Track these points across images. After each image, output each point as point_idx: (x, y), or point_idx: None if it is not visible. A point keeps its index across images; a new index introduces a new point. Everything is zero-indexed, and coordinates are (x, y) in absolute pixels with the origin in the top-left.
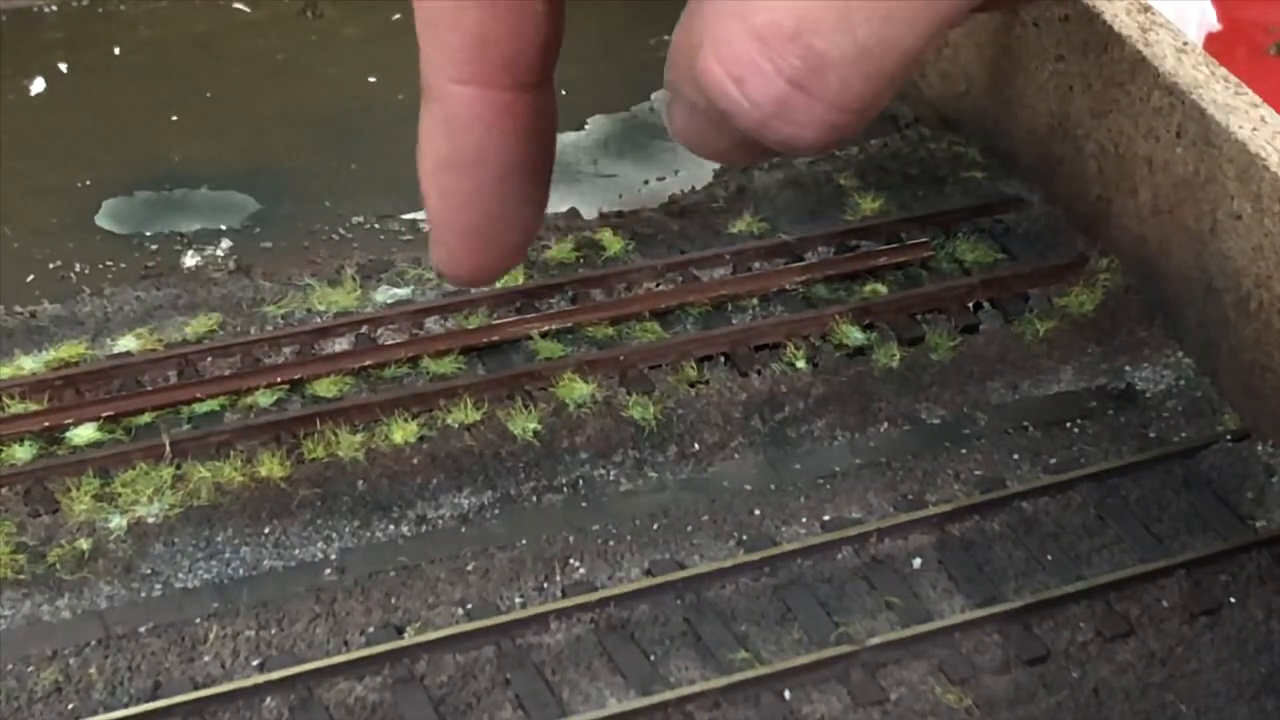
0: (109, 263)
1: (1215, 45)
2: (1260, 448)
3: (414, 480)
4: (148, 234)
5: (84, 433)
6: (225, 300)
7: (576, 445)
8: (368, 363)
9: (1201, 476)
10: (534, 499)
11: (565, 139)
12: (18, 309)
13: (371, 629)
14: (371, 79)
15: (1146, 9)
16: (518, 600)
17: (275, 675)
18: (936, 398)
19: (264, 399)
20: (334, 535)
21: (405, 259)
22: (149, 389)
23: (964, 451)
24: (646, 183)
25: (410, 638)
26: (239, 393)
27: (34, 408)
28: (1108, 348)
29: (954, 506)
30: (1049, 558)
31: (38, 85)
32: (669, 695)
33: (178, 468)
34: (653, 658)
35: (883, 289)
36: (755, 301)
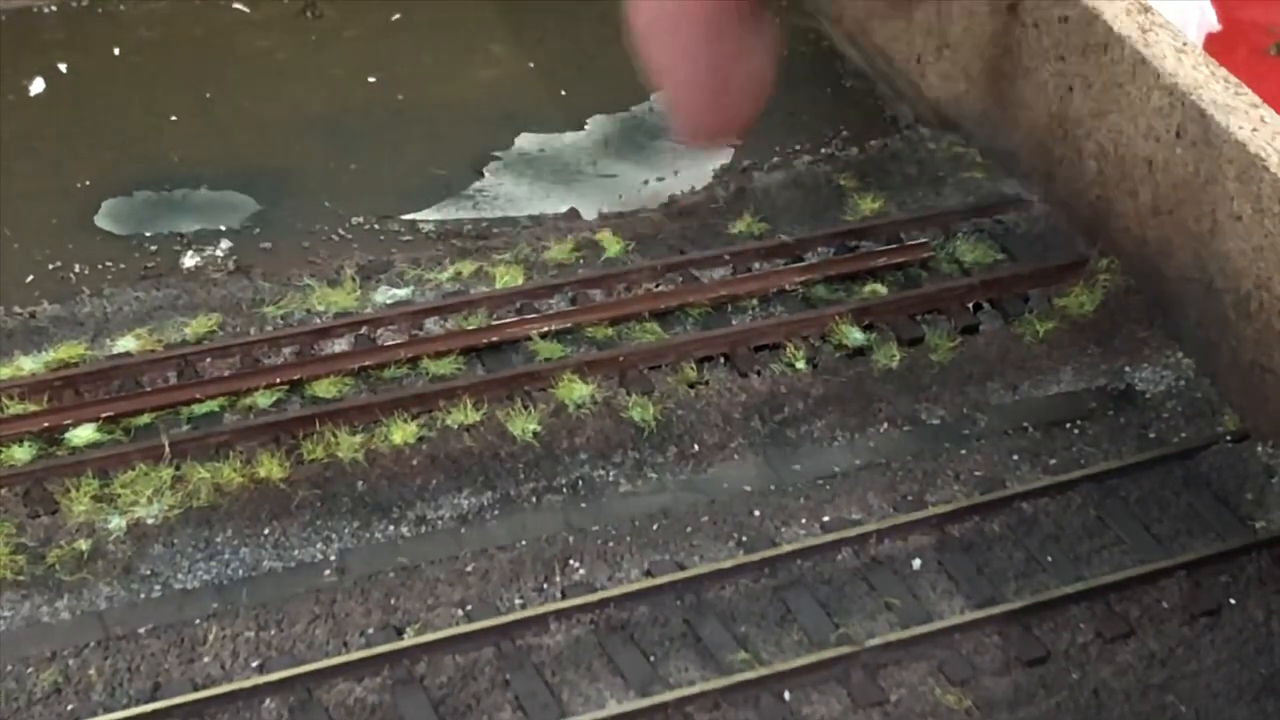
0: (108, 263)
1: (1215, 46)
2: (1260, 449)
3: (413, 481)
4: (147, 234)
5: (83, 433)
6: (225, 301)
7: (576, 446)
8: (367, 363)
9: (1201, 477)
10: (533, 500)
11: (565, 139)
12: (17, 309)
13: (371, 630)
14: (371, 79)
15: (1146, 9)
16: (517, 601)
17: (275, 676)
18: (936, 398)
19: (263, 400)
20: (333, 536)
21: (405, 259)
22: (148, 390)
23: (964, 452)
24: (646, 183)
25: (410, 639)
26: (238, 393)
27: (33, 408)
28: (1108, 348)
29: (954, 507)
30: (1049, 559)
31: (37, 85)
32: (669, 696)
33: (177, 468)
34: (652, 659)
35: (882, 289)
36: (755, 302)
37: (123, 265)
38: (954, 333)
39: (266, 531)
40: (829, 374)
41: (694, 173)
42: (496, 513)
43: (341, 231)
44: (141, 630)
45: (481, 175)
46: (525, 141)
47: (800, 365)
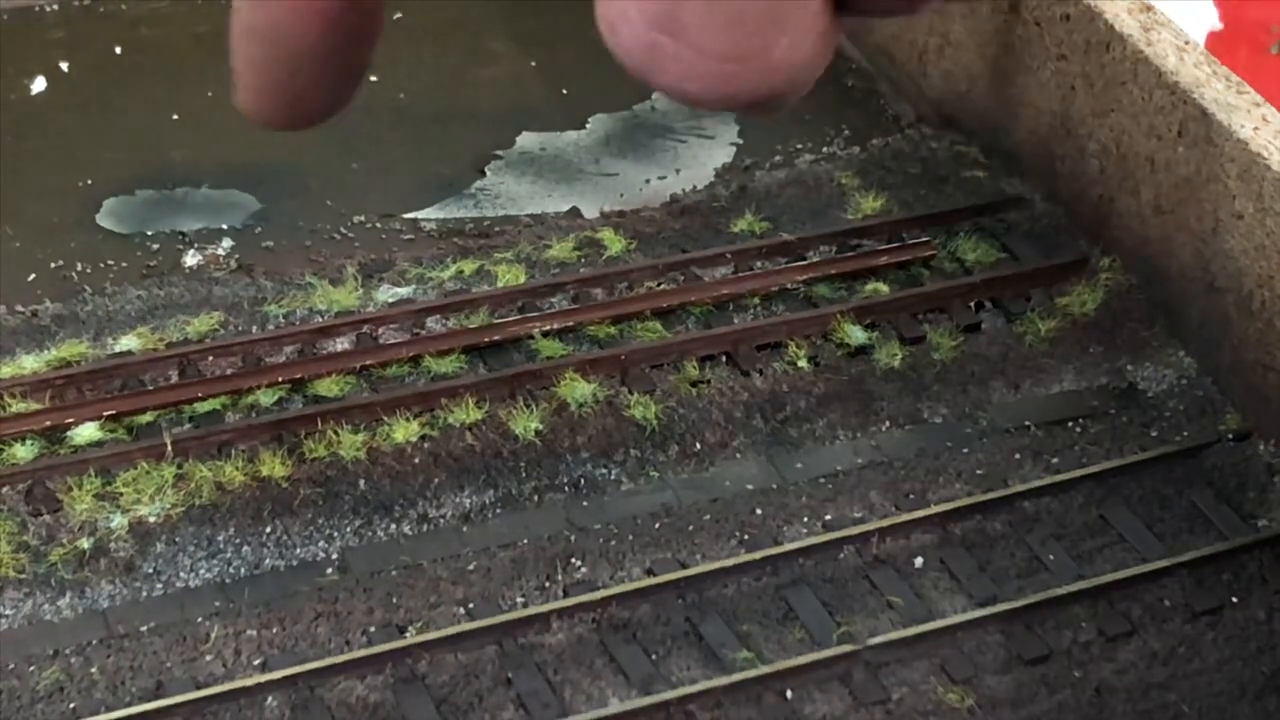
0: (110, 262)
1: (1217, 44)
2: (1262, 447)
3: (416, 479)
4: (149, 233)
5: (85, 432)
6: (227, 299)
7: (578, 445)
8: (369, 362)
9: (1203, 476)
10: (535, 498)
11: (566, 137)
12: (19, 308)
13: (373, 628)
14: (373, 78)
15: (1148, 8)
16: (519, 599)
17: (277, 674)
18: (938, 397)
19: (265, 398)
20: (336, 534)
21: (407, 258)
22: (150, 388)
23: (966, 451)
24: (648, 181)
25: (412, 637)
26: (240, 392)
27: (35, 407)
28: (1109, 347)
29: (956, 506)
30: (1051, 557)
31: (39, 84)
32: (671, 695)
33: (179, 467)
34: (654, 657)
35: (884, 288)
36: (757, 301)
37: (125, 264)
38: (956, 331)
39: (269, 530)
40: (831, 373)
41: (696, 171)
42: (499, 511)
43: (343, 230)
44: (144, 628)
45: (483, 174)
46: (527, 140)
47: (802, 364)
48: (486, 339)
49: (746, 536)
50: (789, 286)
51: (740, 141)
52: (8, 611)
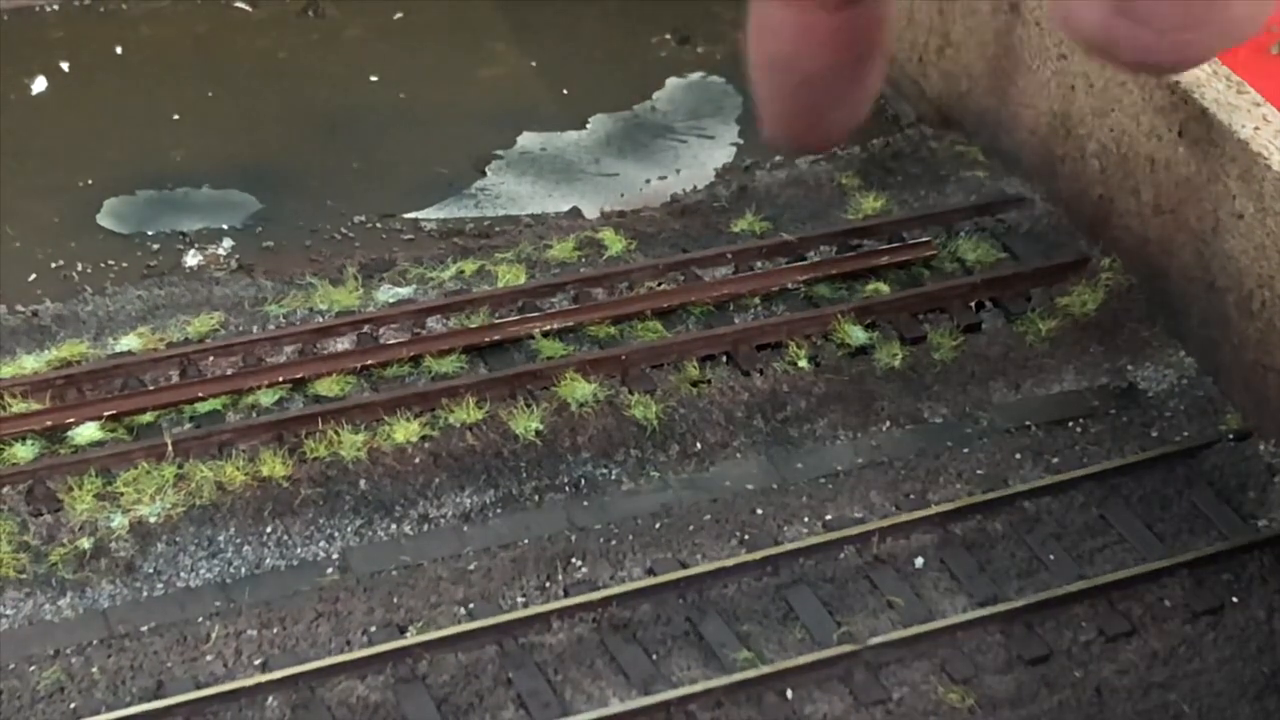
0: (111, 262)
1: None
2: (1263, 447)
3: (416, 479)
4: (149, 233)
5: (86, 432)
6: (227, 299)
7: (578, 444)
8: (370, 362)
9: (1204, 476)
10: (536, 498)
11: (567, 138)
12: (19, 308)
13: (374, 628)
14: (373, 78)
15: None
16: (520, 599)
17: (277, 675)
18: (939, 397)
19: (266, 398)
20: (336, 534)
21: (407, 258)
22: (151, 388)
23: (966, 451)
24: (648, 182)
25: (412, 637)
26: (241, 392)
27: (36, 407)
28: (1110, 347)
29: (956, 506)
30: (1051, 557)
31: (39, 84)
32: (671, 694)
33: (180, 467)
34: (655, 657)
35: (885, 288)
36: (757, 301)
37: (125, 264)
38: (956, 331)
39: (269, 530)
40: (831, 373)
41: (696, 171)
42: (499, 511)
43: (344, 230)
44: (144, 628)
45: (484, 174)
46: (527, 140)
47: (802, 364)
48: (487, 339)
49: (747, 536)
50: (789, 286)
51: (740, 141)
52: (8, 611)
